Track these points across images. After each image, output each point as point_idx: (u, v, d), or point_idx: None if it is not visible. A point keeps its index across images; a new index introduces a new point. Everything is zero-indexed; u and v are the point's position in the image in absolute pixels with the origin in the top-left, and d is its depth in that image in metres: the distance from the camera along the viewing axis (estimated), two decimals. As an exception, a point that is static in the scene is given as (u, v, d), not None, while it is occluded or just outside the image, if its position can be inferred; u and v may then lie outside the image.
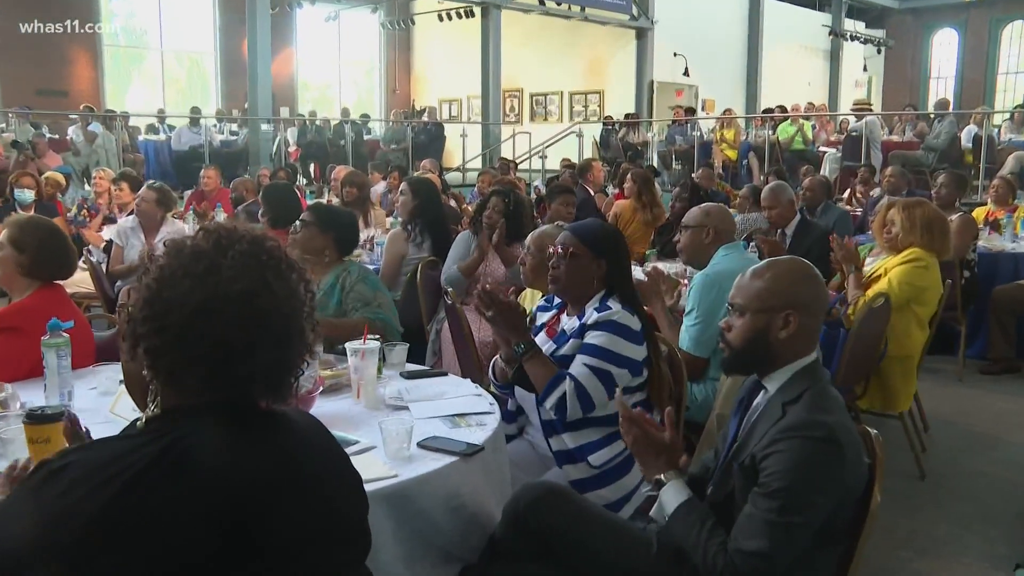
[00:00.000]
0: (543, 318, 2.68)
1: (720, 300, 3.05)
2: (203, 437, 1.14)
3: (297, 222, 3.28)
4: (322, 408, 2.24)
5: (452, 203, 7.88)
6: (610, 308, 2.42)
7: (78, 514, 1.07)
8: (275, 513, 1.14)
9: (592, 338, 2.39)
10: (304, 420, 1.31)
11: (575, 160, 12.94)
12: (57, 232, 2.73)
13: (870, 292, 3.77)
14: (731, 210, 7.49)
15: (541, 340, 2.57)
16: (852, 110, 12.57)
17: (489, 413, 2.27)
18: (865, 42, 21.25)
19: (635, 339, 2.41)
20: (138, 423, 1.24)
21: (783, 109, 13.47)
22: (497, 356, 2.58)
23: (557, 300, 2.66)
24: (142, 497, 1.08)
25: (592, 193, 7.70)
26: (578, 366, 2.37)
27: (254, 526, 1.11)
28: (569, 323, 2.53)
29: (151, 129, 13.85)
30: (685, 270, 4.25)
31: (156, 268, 1.21)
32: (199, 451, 1.13)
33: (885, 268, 3.91)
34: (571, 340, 2.45)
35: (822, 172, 10.93)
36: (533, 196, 9.73)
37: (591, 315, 2.43)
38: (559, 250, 2.52)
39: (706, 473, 1.94)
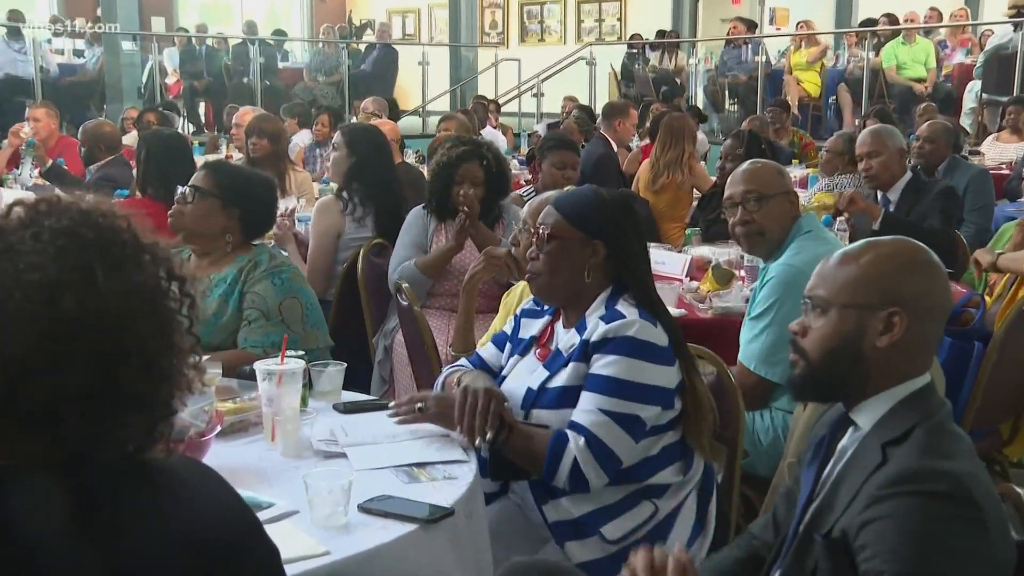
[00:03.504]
0: (531, 328, 2.68)
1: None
2: (27, 511, 1.14)
3: (186, 188, 3.27)
4: (220, 456, 2.24)
5: (412, 161, 7.88)
6: (622, 316, 2.41)
7: None
8: None
9: (603, 366, 2.39)
10: (196, 476, 1.32)
11: (585, 100, 12.98)
12: None
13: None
14: (811, 171, 7.59)
15: (528, 365, 2.58)
16: (1008, 14, 11.73)
17: (462, 462, 2.29)
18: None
19: (663, 358, 2.42)
20: None
21: (892, 20, 13.21)
22: (445, 378, 2.61)
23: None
24: None
25: (615, 147, 7.70)
26: (590, 412, 2.37)
27: None
28: (565, 337, 2.53)
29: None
30: (742, 258, 4.28)
31: None
32: (26, 534, 1.13)
33: None
34: (571, 364, 2.45)
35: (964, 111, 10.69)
36: (525, 149, 9.73)
37: (596, 327, 2.42)
38: (538, 231, 2.53)
39: (774, 542, 1.94)
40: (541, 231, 2.51)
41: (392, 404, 2.51)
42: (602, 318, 2.43)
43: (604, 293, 2.49)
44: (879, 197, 5.11)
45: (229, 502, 1.32)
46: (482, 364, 2.75)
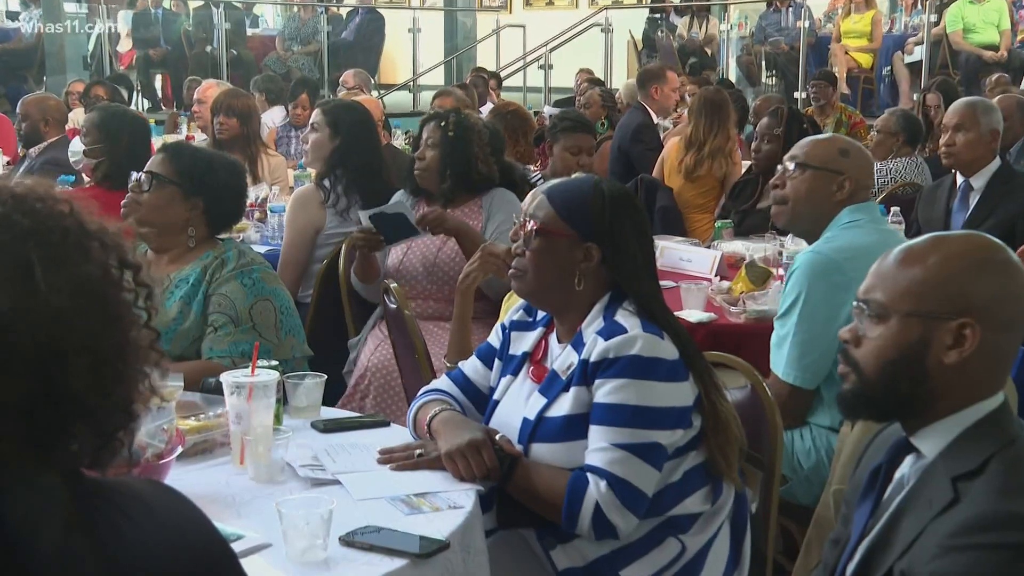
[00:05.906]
0: (522, 343, 2.66)
1: (840, 297, 3.08)
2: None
3: (141, 175, 3.28)
4: (182, 481, 2.25)
5: (401, 143, 7.89)
6: (623, 330, 2.40)
7: None
8: None
9: (608, 393, 2.38)
10: (162, 500, 1.32)
11: (600, 73, 12.96)
12: None
13: None
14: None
15: (522, 389, 2.58)
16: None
17: (468, 489, 2.30)
18: None
19: (675, 374, 2.41)
20: None
21: (958, -21, 13.18)
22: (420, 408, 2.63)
23: (542, 312, 2.67)
24: None
25: (655, 120, 7.69)
26: (604, 450, 2.36)
27: None
28: (562, 356, 2.52)
29: None
30: (780, 254, 4.28)
31: None
32: None
33: None
34: (572, 389, 2.44)
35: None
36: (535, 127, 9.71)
37: (595, 344, 2.41)
38: (526, 223, 2.53)
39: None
40: (529, 224, 2.51)
41: (382, 451, 2.50)
42: (600, 333, 2.42)
43: (601, 303, 2.49)
44: (959, 182, 4.99)
45: (200, 530, 1.33)
46: (466, 382, 2.74)
